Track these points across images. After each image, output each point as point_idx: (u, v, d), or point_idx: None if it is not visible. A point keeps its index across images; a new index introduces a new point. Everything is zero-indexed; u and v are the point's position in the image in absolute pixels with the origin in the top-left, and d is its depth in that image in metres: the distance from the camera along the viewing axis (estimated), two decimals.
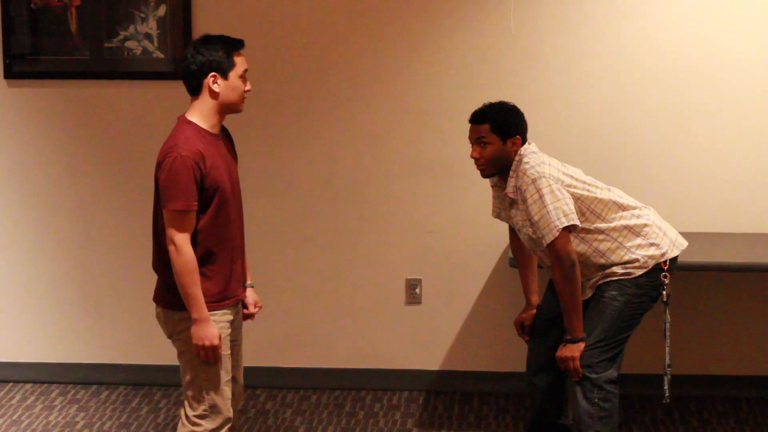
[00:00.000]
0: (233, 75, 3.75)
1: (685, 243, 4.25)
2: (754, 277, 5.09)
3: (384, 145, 5.17)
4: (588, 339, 4.11)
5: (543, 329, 4.39)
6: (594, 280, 4.19)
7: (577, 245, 4.11)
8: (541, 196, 4.03)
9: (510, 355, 5.12)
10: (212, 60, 3.72)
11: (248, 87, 3.81)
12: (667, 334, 4.21)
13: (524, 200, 4.08)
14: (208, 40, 3.76)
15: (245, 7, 5.11)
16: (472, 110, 4.25)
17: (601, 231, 4.13)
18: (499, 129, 4.16)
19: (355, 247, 5.25)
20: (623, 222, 4.14)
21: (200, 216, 3.72)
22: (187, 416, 3.83)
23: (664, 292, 4.14)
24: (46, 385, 5.40)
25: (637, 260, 4.13)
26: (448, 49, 5.06)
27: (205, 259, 3.74)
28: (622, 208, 4.16)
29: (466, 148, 4.25)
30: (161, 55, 5.15)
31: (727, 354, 5.20)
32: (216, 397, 3.81)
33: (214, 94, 3.74)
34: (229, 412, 3.85)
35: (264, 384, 5.32)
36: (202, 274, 3.72)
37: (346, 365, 5.34)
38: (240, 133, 4.10)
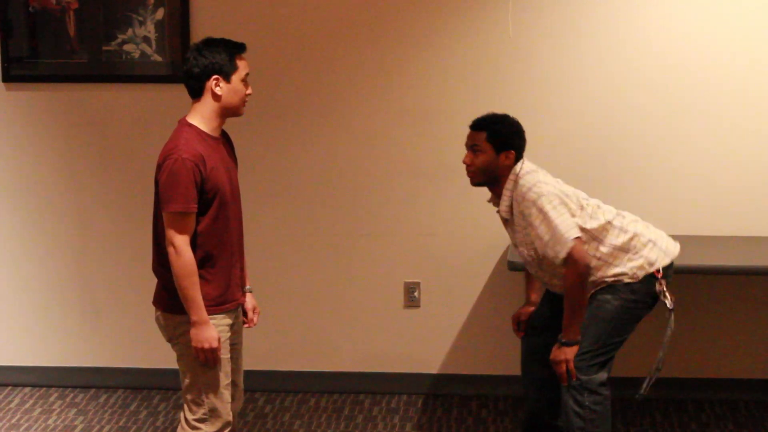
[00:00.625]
0: (236, 78, 3.75)
1: (677, 251, 4.23)
2: (752, 280, 5.09)
3: (383, 149, 5.16)
4: (582, 343, 4.12)
5: (539, 327, 4.39)
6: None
7: None
8: (545, 216, 4.03)
9: (509, 359, 5.11)
10: (215, 63, 3.71)
11: (249, 91, 3.81)
12: (667, 341, 4.20)
13: (530, 225, 4.08)
14: (211, 42, 3.76)
15: (243, 11, 5.10)
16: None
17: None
18: (495, 140, 4.16)
19: (353, 250, 5.25)
20: (612, 242, 4.12)
21: (200, 219, 3.72)
22: (186, 420, 3.83)
23: (668, 300, 4.14)
24: (44, 388, 5.39)
25: (625, 273, 4.13)
26: (447, 53, 5.06)
27: (204, 262, 3.74)
28: (608, 228, 4.13)
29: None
30: (159, 59, 5.15)
31: (724, 357, 5.20)
32: (215, 401, 3.80)
33: (216, 97, 3.74)
34: (228, 415, 3.85)
35: (263, 387, 5.31)
36: (201, 277, 3.71)
37: (345, 369, 5.34)
38: (239, 137, 4.10)
